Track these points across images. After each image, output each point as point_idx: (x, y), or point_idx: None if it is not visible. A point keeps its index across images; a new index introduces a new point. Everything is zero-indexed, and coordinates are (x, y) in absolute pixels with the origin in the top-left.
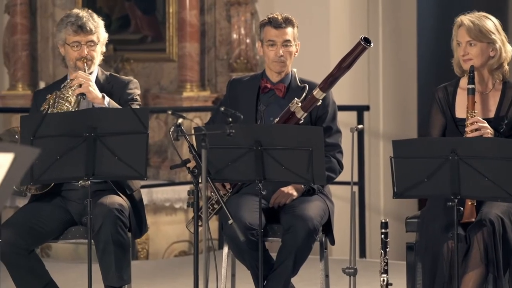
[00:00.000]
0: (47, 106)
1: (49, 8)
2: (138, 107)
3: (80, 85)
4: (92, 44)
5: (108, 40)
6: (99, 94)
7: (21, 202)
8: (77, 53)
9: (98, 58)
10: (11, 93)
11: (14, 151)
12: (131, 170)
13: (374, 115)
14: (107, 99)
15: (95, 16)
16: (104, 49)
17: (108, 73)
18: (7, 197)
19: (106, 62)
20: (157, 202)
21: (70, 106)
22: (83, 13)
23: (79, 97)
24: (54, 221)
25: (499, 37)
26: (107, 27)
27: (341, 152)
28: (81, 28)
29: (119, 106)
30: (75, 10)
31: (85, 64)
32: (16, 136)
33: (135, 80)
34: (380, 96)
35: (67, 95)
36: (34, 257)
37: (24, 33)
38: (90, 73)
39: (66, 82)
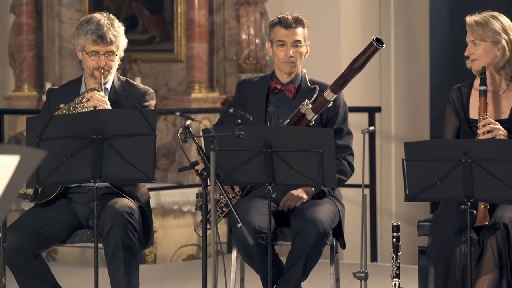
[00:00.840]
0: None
1: (55, 8)
2: None
3: (95, 107)
4: (111, 54)
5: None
6: None
7: (27, 205)
8: (95, 62)
9: (115, 67)
10: (17, 94)
11: (20, 153)
12: (139, 173)
13: (386, 116)
14: None
15: (116, 23)
16: (122, 54)
17: (124, 78)
18: (13, 200)
19: None
20: (165, 205)
21: None
22: (104, 21)
23: None
24: (61, 224)
25: (505, 36)
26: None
27: (352, 154)
28: (101, 38)
29: None
30: (97, 16)
31: (102, 75)
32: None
33: (152, 91)
34: (392, 97)
35: (80, 111)
36: (40, 261)
37: (30, 33)
38: (106, 83)
39: (81, 95)
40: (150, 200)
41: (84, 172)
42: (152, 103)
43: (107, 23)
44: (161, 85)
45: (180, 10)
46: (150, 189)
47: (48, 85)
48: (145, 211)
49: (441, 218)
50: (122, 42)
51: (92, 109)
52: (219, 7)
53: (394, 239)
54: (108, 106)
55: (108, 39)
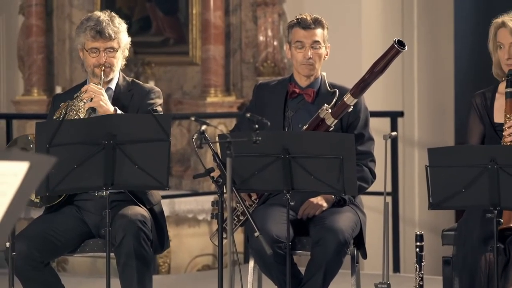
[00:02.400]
0: (59, 115)
1: (66, 9)
2: None
3: (91, 99)
4: (112, 50)
5: (130, 43)
6: (111, 108)
7: (36, 214)
8: (95, 59)
9: (118, 64)
10: (26, 98)
11: (30, 160)
12: (152, 180)
13: (409, 121)
14: (119, 112)
15: (116, 20)
16: (126, 54)
17: (130, 79)
18: (22, 208)
19: (126, 65)
20: (179, 213)
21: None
22: (104, 17)
23: (89, 111)
24: (71, 232)
25: None
26: (127, 29)
27: (373, 160)
28: (100, 33)
29: None
30: (96, 13)
31: (103, 72)
32: (31, 145)
33: (158, 89)
34: (415, 101)
35: (78, 107)
36: (50, 270)
37: (40, 35)
38: (110, 81)
39: (80, 92)
40: (164, 208)
41: (95, 179)
42: (158, 101)
43: (107, 19)
44: (175, 89)
45: (195, 11)
46: (164, 197)
47: (58, 89)
48: (157, 213)
49: (466, 227)
50: (123, 39)
51: (88, 101)
52: (236, 8)
53: (418, 249)
54: (104, 96)
55: (107, 34)
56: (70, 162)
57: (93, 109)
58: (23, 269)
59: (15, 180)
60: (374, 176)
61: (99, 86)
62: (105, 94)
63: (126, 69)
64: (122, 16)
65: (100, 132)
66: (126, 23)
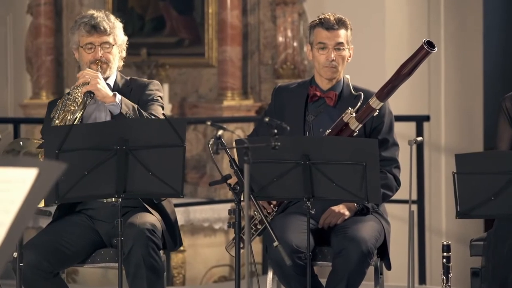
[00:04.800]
0: (55, 112)
1: (76, 8)
2: (160, 108)
3: (88, 83)
4: (108, 46)
5: (140, 44)
6: (110, 92)
7: (44, 222)
8: (91, 55)
9: (115, 62)
10: (34, 102)
11: (38, 166)
12: (166, 187)
13: (435, 126)
14: (118, 96)
15: (112, 17)
16: (124, 54)
17: (128, 77)
18: (31, 216)
19: (138, 67)
20: (194, 222)
21: (76, 107)
22: (98, 14)
23: (87, 96)
24: (81, 241)
25: None
26: (140, 29)
27: (398, 167)
28: (94, 28)
29: (134, 105)
30: (90, 11)
31: (100, 68)
32: (21, 143)
33: (157, 82)
34: (441, 105)
35: (74, 95)
36: (59, 281)
37: (49, 36)
38: (107, 79)
39: (75, 86)
40: (179, 217)
41: (107, 186)
42: (157, 92)
43: (101, 15)
44: (190, 92)
45: (211, 11)
46: (179, 205)
47: None
48: (166, 208)
49: (496, 236)
50: (120, 36)
51: (83, 87)
52: (254, 7)
53: (445, 260)
54: (101, 80)
55: (102, 28)
56: (80, 168)
57: (90, 94)
58: (32, 280)
59: (23, 187)
60: (398, 183)
61: (95, 71)
62: (102, 79)
63: (139, 71)
64: (134, 16)
65: (112, 137)
66: (139, 23)
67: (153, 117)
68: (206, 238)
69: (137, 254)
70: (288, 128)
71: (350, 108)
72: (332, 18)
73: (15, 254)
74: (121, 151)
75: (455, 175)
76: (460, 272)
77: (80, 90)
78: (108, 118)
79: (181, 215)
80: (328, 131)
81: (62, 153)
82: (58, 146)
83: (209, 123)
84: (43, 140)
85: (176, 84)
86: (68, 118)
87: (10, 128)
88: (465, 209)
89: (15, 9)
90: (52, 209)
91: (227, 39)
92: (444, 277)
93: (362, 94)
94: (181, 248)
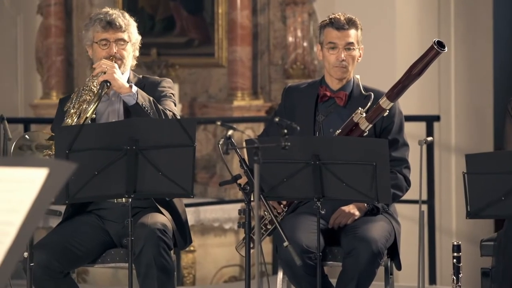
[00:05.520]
0: (70, 103)
1: (86, 8)
2: (173, 104)
3: (104, 73)
4: (122, 42)
5: (151, 44)
6: (126, 84)
7: (55, 222)
8: (105, 51)
9: (129, 59)
10: (44, 102)
11: (49, 166)
12: (177, 187)
13: (445, 126)
14: (135, 88)
15: (126, 14)
16: (137, 53)
17: (141, 76)
18: (41, 216)
19: (148, 67)
20: (204, 222)
21: (92, 96)
22: (113, 11)
23: (103, 85)
24: (91, 241)
25: None
26: (150, 29)
27: (408, 167)
28: (110, 24)
29: (150, 97)
30: (105, 8)
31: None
32: (27, 136)
33: (169, 79)
34: (452, 105)
35: (90, 85)
36: (70, 281)
37: (59, 36)
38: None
39: (92, 76)
40: (189, 217)
41: (117, 186)
42: (169, 90)
43: (117, 12)
44: (200, 92)
45: (221, 11)
46: (189, 205)
47: None
48: (177, 207)
49: (506, 237)
50: (134, 34)
51: (100, 76)
52: (264, 7)
53: (455, 260)
54: (118, 71)
55: (118, 24)
56: (90, 168)
57: (106, 83)
58: (42, 280)
59: (33, 187)
60: (409, 183)
61: (112, 62)
62: (118, 69)
63: (149, 71)
64: (145, 16)
65: (122, 137)
66: (149, 23)
67: (167, 111)
68: (216, 238)
69: (148, 254)
70: (298, 128)
71: (360, 108)
72: (342, 18)
73: (25, 254)
74: (131, 151)
75: (465, 175)
76: (470, 273)
77: (96, 80)
78: (122, 110)
79: (191, 215)
80: (338, 131)
81: (72, 153)
82: (68, 146)
83: (219, 123)
84: (52, 133)
85: (186, 84)
86: (84, 107)
87: (21, 128)
88: (476, 209)
89: (25, 9)
90: (62, 209)
91: (237, 39)
92: (454, 277)
93: (372, 94)
94: (191, 248)
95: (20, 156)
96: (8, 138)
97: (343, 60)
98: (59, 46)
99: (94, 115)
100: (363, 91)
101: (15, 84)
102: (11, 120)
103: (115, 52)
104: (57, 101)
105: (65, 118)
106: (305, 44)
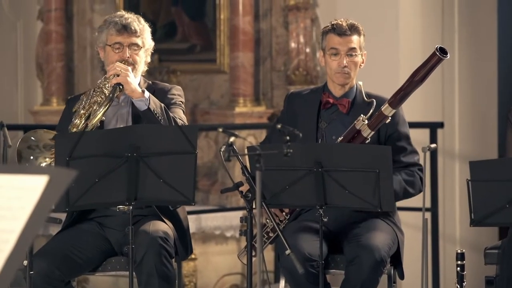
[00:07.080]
0: (79, 104)
1: (87, 14)
2: (182, 112)
3: (118, 76)
4: (136, 47)
5: (153, 50)
6: (139, 88)
7: (55, 230)
8: (118, 55)
9: (141, 65)
10: (45, 108)
11: (49, 173)
12: (178, 195)
13: (449, 133)
14: (147, 93)
15: (142, 20)
16: (149, 59)
17: (151, 81)
18: (41, 224)
19: (150, 73)
20: (206, 230)
21: (103, 98)
22: (129, 15)
23: (115, 88)
24: (92, 250)
25: None
26: (152, 35)
27: (421, 170)
28: (125, 28)
29: (161, 104)
30: (121, 12)
31: None
32: (32, 138)
33: (179, 87)
34: (455, 111)
35: (102, 87)
36: None
37: (59, 42)
38: None
39: (104, 77)
40: (190, 224)
41: (118, 194)
42: (179, 97)
43: (133, 17)
44: (202, 98)
45: (223, 16)
46: (190, 213)
47: None
48: (180, 214)
49: (511, 245)
50: (148, 40)
51: (113, 79)
52: (266, 13)
53: (459, 268)
54: (131, 74)
55: (133, 28)
56: (91, 175)
57: (119, 85)
58: None
59: (33, 194)
60: (422, 185)
61: (126, 66)
62: (132, 73)
63: (150, 77)
64: (146, 22)
65: (123, 144)
66: (151, 29)
67: (178, 120)
68: (217, 246)
69: (150, 262)
70: (301, 135)
71: (362, 115)
72: (344, 24)
73: (25, 262)
74: (132, 158)
75: (469, 182)
76: (474, 281)
77: (109, 82)
78: (130, 115)
79: (192, 223)
80: (340, 138)
81: (73, 160)
82: (69, 153)
83: (220, 130)
84: (54, 132)
85: (187, 90)
86: (94, 108)
87: (20, 135)
88: (480, 217)
89: (26, 15)
90: (62, 216)
91: (239, 45)
92: (458, 286)
93: (374, 101)
94: (193, 256)
95: (30, 155)
96: (8, 145)
97: (345, 66)
98: (59, 52)
99: (103, 118)
100: (365, 98)
101: (15, 90)
102: (11, 127)
103: (128, 57)
104: (57, 107)
105: (73, 119)
106: (307, 50)
